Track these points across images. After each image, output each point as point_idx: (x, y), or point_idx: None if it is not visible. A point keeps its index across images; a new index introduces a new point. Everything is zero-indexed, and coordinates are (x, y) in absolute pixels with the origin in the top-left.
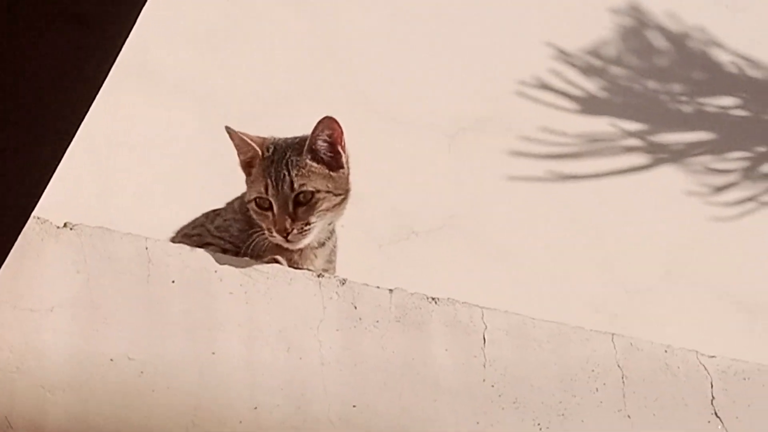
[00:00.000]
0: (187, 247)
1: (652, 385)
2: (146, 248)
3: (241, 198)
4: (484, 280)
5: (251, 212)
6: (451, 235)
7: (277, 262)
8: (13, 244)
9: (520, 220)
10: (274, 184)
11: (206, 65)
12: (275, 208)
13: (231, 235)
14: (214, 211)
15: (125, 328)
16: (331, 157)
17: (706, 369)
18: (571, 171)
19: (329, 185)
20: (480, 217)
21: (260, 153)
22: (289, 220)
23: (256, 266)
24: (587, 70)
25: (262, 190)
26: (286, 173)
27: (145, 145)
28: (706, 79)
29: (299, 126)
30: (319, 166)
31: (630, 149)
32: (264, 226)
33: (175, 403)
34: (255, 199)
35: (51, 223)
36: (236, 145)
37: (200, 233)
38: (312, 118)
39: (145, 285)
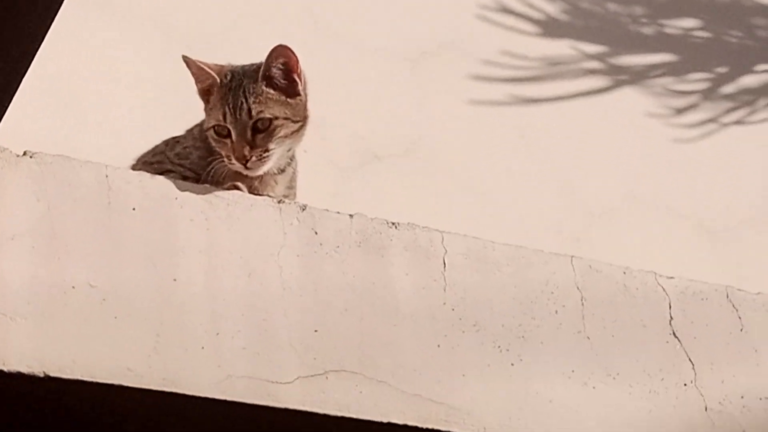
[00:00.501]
0: (148, 175)
1: (611, 306)
2: (106, 176)
3: (200, 125)
4: (445, 205)
5: (210, 140)
6: (413, 160)
7: (237, 188)
8: None
9: (482, 144)
10: (232, 111)
11: None
12: (234, 135)
13: (191, 162)
14: (174, 138)
15: (86, 256)
16: (286, 84)
17: (664, 290)
18: (533, 94)
19: (287, 112)
20: (441, 142)
21: (218, 80)
22: (247, 147)
23: (216, 193)
24: None
25: (221, 117)
26: (244, 101)
27: (104, 73)
28: (667, 0)
29: (258, 51)
30: (275, 93)
31: (591, 72)
32: (223, 153)
33: (137, 330)
34: (213, 126)
35: (10, 151)
36: (194, 74)
37: (160, 160)
38: (271, 43)
39: (105, 213)
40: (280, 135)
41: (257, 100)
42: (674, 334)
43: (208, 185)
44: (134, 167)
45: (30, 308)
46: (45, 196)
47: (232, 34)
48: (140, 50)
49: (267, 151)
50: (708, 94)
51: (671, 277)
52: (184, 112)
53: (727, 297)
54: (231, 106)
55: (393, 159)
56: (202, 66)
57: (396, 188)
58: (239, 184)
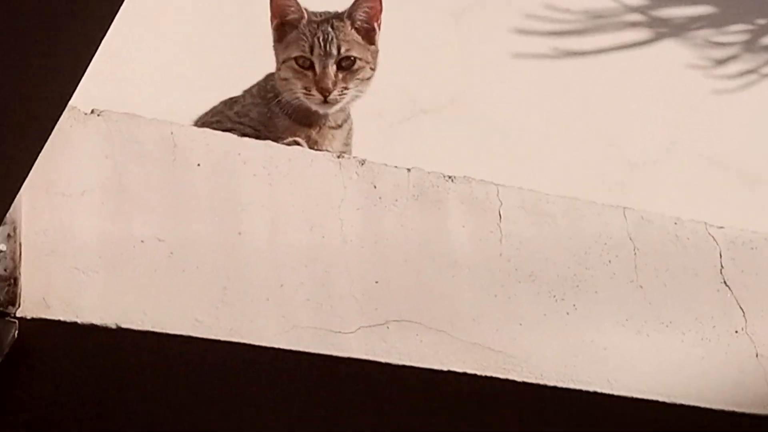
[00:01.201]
0: (211, 131)
1: (663, 256)
2: (171, 133)
3: (258, 84)
4: (490, 157)
5: (285, 72)
6: (458, 113)
7: (297, 144)
8: (50, 134)
9: (526, 97)
10: (322, 44)
11: None
12: (319, 67)
13: (251, 119)
14: (231, 98)
15: (153, 211)
16: (367, 30)
17: (714, 239)
18: (575, 47)
19: (366, 56)
20: (486, 95)
21: (306, 15)
22: (332, 79)
23: (278, 148)
24: None
25: (307, 49)
26: (334, 37)
27: (162, 32)
28: None
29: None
30: (358, 36)
31: (632, 24)
32: (300, 85)
33: (205, 283)
34: (296, 57)
35: (79, 109)
36: (279, 4)
37: (220, 119)
38: None
39: (171, 169)
40: (358, 76)
41: (345, 39)
42: (725, 282)
43: (269, 141)
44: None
45: (101, 262)
46: (113, 153)
47: None
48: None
49: (346, 88)
50: (748, 46)
51: (721, 227)
52: (238, 74)
53: None
54: (321, 39)
55: (439, 112)
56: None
57: (442, 141)
58: (299, 139)
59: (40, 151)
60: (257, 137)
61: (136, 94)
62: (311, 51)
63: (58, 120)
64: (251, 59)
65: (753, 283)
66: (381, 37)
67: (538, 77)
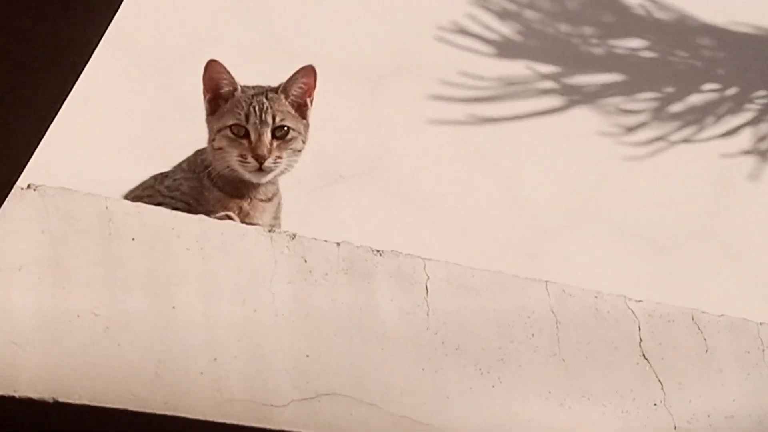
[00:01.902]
0: (145, 206)
1: (584, 329)
2: (106, 207)
3: (187, 159)
4: (410, 222)
5: (220, 141)
6: (376, 178)
7: (229, 218)
8: None
9: (442, 162)
10: (257, 113)
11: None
12: (254, 135)
13: (182, 192)
14: (161, 173)
15: (90, 285)
16: (300, 104)
17: (633, 313)
18: (489, 114)
19: (300, 128)
20: (404, 161)
21: (239, 87)
22: (267, 147)
23: (210, 222)
24: (503, 14)
25: (242, 117)
26: (269, 106)
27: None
28: (616, 21)
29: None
30: (292, 109)
31: (545, 91)
32: (235, 153)
33: (140, 357)
34: (232, 126)
35: (15, 185)
36: (215, 77)
37: (151, 194)
38: (230, 64)
39: (106, 243)
40: (292, 146)
41: (280, 109)
42: (644, 355)
43: (202, 215)
44: None
45: (38, 336)
46: (49, 228)
47: (193, 51)
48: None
49: (280, 157)
50: (657, 113)
51: (640, 301)
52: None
53: (692, 319)
54: (256, 108)
55: (358, 178)
56: (228, 71)
57: (362, 207)
58: (231, 213)
59: None
60: (189, 211)
61: (67, 166)
62: (246, 119)
63: (5, 198)
64: (179, 133)
65: (670, 355)
66: None
67: (453, 143)
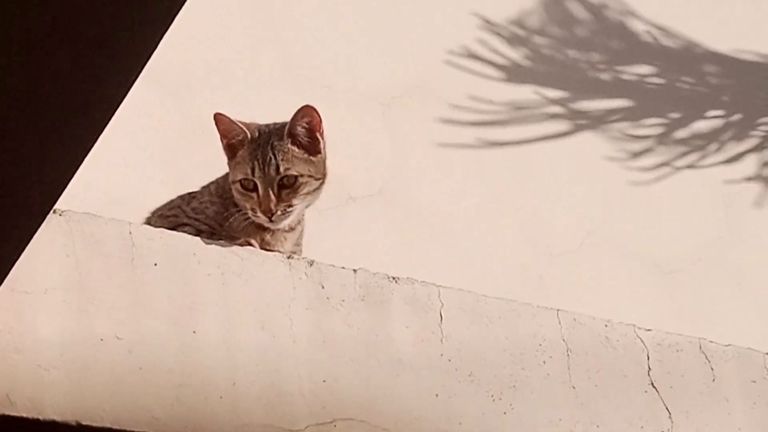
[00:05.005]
0: (168, 231)
1: (594, 357)
2: (130, 233)
3: (216, 182)
4: (415, 245)
5: (235, 192)
6: (386, 201)
7: (250, 244)
8: (31, 239)
9: (451, 185)
10: (261, 166)
11: None
12: (261, 189)
13: (207, 216)
14: (189, 193)
15: (113, 310)
16: (309, 142)
17: (642, 342)
18: (497, 138)
19: (310, 169)
20: (413, 183)
21: (249, 136)
22: (274, 201)
23: (231, 249)
24: (512, 40)
25: (249, 172)
26: (272, 157)
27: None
28: (623, 48)
29: (234, 94)
30: (299, 150)
31: (553, 116)
32: (248, 206)
33: (161, 380)
34: (241, 180)
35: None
36: (223, 130)
37: (176, 214)
38: (245, 88)
39: (129, 268)
40: (303, 192)
41: (284, 158)
42: (652, 384)
43: (223, 242)
44: (149, 219)
45: (62, 360)
46: (74, 252)
47: (210, 77)
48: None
49: (291, 206)
50: (662, 139)
51: (649, 330)
52: (186, 166)
53: (700, 348)
54: (260, 161)
55: (367, 200)
56: (235, 122)
57: (371, 228)
58: (252, 240)
59: (19, 256)
60: (212, 235)
61: (92, 188)
62: (253, 173)
63: (40, 225)
64: (202, 155)
65: (678, 384)
66: None
67: (463, 166)
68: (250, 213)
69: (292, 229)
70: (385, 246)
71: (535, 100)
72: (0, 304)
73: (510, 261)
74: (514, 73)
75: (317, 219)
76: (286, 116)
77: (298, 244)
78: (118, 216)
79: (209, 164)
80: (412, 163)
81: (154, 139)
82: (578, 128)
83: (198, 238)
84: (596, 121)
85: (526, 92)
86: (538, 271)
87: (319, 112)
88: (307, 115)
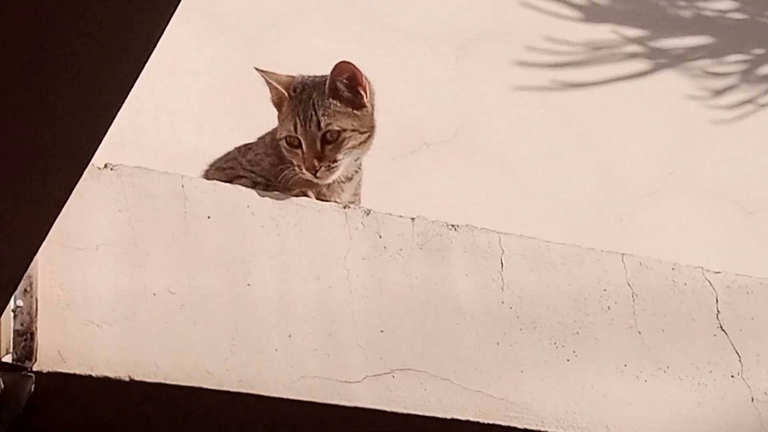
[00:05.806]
0: (221, 184)
1: (661, 301)
2: (182, 186)
3: (271, 133)
4: (491, 189)
5: (282, 149)
6: (460, 146)
7: (305, 195)
8: (72, 190)
9: (526, 129)
10: (303, 123)
11: None
12: (304, 146)
13: (262, 168)
14: (246, 145)
15: (166, 264)
16: (352, 96)
17: (711, 284)
18: (575, 79)
19: (354, 123)
20: (488, 128)
21: (286, 94)
22: (317, 158)
23: (286, 200)
24: None
25: (292, 128)
26: (313, 113)
27: (173, 79)
28: None
29: (309, 42)
30: (342, 105)
31: (631, 55)
32: (294, 162)
33: (215, 334)
34: (285, 137)
35: (93, 164)
36: (267, 83)
37: (233, 166)
38: (321, 34)
39: (182, 221)
40: (348, 146)
41: (326, 113)
42: (721, 327)
43: (277, 192)
44: (207, 173)
45: (115, 315)
46: (126, 207)
47: (283, 26)
48: (192, 45)
49: (335, 161)
50: (745, 76)
51: (718, 272)
52: (253, 115)
53: None
54: (301, 117)
55: (441, 145)
56: (272, 80)
57: (444, 174)
58: (307, 190)
59: (61, 209)
60: (267, 187)
61: (146, 140)
62: (295, 129)
63: (81, 176)
64: (262, 106)
65: (748, 327)
66: (385, 71)
67: (538, 109)
68: (296, 169)
69: (349, 179)
70: (458, 192)
71: (613, 40)
72: (51, 260)
73: (590, 205)
74: (591, 12)
75: (390, 165)
76: (362, 63)
77: (356, 194)
78: (185, 170)
79: (272, 113)
80: (487, 107)
81: (222, 90)
82: (658, 67)
83: (251, 190)
84: (677, 60)
85: (603, 31)
86: (617, 212)
87: (355, 65)
88: (345, 70)
